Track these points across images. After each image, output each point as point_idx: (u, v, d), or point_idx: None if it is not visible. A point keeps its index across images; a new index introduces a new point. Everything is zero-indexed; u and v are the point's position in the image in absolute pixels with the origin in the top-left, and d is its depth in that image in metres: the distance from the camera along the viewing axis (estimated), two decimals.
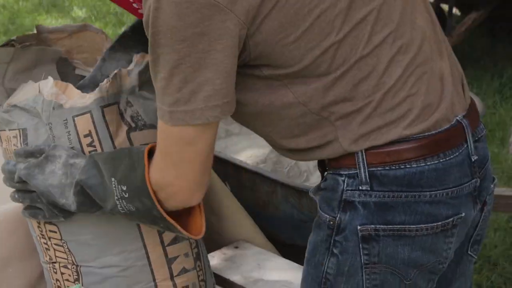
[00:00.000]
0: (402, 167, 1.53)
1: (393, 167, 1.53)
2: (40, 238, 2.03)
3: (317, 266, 1.63)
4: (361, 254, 1.57)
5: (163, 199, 1.62)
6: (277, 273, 2.14)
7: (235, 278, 2.28)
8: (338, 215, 1.57)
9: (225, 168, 2.57)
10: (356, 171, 1.54)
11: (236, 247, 2.41)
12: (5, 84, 2.09)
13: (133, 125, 1.95)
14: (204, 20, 1.42)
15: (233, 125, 3.07)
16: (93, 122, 1.91)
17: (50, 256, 2.04)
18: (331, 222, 1.57)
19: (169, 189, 1.60)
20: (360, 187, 1.54)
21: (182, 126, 1.49)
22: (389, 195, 1.53)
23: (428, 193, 1.55)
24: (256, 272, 2.30)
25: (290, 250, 2.43)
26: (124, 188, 1.64)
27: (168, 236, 2.01)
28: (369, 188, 1.53)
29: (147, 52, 1.53)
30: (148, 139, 1.97)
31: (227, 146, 2.95)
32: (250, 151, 2.89)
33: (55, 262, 2.04)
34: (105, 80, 1.92)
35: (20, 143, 1.94)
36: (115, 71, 1.94)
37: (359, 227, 1.55)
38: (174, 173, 1.57)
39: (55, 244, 2.01)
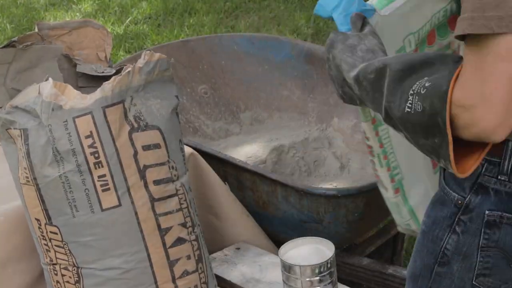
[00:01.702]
0: None
1: None
2: (40, 239, 2.02)
3: (436, 240, 1.65)
4: (481, 237, 1.59)
5: (460, 126, 1.43)
6: (279, 274, 2.13)
7: (236, 279, 2.28)
8: (469, 197, 1.58)
9: (225, 168, 2.56)
10: (499, 160, 1.53)
11: (238, 248, 2.40)
12: (6, 84, 2.08)
13: (135, 125, 1.94)
14: None
15: (233, 125, 3.06)
16: (94, 123, 1.90)
17: (50, 257, 2.02)
18: (459, 202, 1.59)
19: (471, 111, 1.40)
20: (499, 177, 1.54)
21: (491, 36, 1.34)
22: None
23: None
24: (257, 273, 2.30)
25: None
26: (427, 85, 1.47)
27: (170, 238, 2.00)
28: (507, 180, 1.54)
29: None
30: (150, 140, 1.96)
31: (227, 146, 2.93)
32: (250, 151, 2.88)
33: (55, 264, 2.02)
34: (112, 78, 1.91)
35: (22, 143, 1.93)
36: (129, 67, 1.93)
37: (487, 212, 1.57)
38: (480, 92, 1.38)
39: (56, 245, 1.99)
